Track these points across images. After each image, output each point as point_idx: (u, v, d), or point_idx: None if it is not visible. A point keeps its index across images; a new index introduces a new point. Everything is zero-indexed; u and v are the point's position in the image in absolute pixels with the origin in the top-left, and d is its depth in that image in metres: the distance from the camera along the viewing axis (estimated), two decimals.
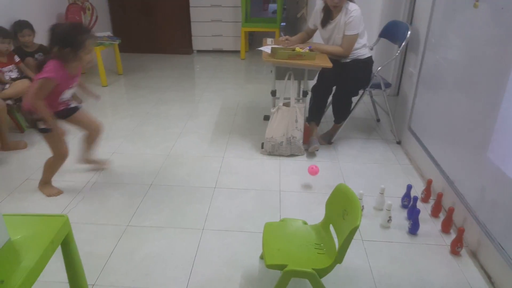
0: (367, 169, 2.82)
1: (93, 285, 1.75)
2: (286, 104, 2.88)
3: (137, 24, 5.91)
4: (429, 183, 2.43)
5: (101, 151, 2.97)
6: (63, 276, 1.59)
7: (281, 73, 2.93)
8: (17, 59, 3.32)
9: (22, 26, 3.45)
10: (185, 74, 5.16)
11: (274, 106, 2.94)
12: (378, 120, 3.69)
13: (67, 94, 2.30)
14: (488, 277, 1.86)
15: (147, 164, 2.83)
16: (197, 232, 2.12)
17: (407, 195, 2.36)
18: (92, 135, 2.56)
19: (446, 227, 2.16)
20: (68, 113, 2.39)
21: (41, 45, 3.63)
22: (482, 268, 1.91)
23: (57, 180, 2.55)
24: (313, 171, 2.54)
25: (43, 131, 2.26)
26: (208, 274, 1.84)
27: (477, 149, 2.00)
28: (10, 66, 3.25)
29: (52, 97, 2.21)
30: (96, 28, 4.63)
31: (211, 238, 2.08)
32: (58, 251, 1.42)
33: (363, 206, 2.28)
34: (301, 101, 2.99)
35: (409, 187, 2.36)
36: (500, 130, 1.80)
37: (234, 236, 2.10)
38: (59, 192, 2.47)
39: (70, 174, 2.66)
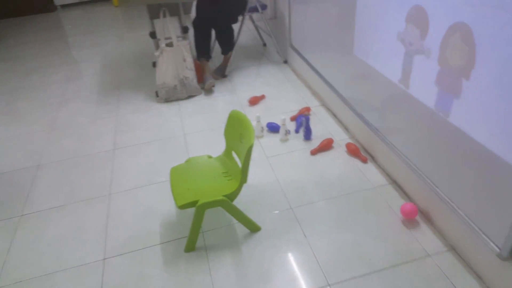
0: (264, 93, 2.85)
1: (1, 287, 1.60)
2: (169, 44, 2.73)
3: None
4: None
5: None
6: None
7: (154, 11, 2.75)
8: None
9: None
10: (54, 34, 4.60)
11: (157, 49, 2.78)
12: (265, 44, 3.71)
13: None
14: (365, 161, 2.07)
15: (29, 144, 2.55)
16: (104, 199, 2.02)
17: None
18: None
19: None
20: None
21: None
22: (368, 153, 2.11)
23: None
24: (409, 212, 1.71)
25: None
26: (126, 235, 1.79)
27: (345, 49, 2.10)
28: None
29: None
30: None
31: (121, 200, 2.00)
32: None
33: (262, 128, 2.34)
34: (183, 38, 2.85)
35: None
36: (359, 30, 1.91)
37: (145, 191, 2.04)
38: None
39: None
